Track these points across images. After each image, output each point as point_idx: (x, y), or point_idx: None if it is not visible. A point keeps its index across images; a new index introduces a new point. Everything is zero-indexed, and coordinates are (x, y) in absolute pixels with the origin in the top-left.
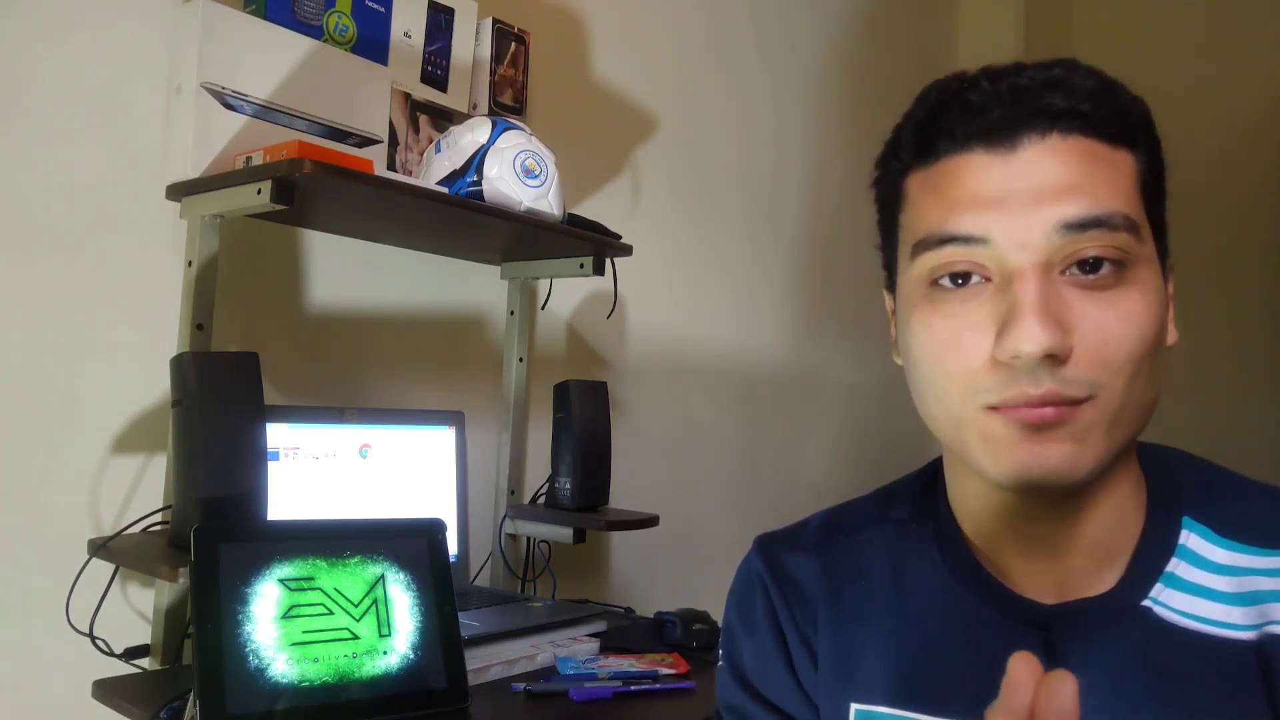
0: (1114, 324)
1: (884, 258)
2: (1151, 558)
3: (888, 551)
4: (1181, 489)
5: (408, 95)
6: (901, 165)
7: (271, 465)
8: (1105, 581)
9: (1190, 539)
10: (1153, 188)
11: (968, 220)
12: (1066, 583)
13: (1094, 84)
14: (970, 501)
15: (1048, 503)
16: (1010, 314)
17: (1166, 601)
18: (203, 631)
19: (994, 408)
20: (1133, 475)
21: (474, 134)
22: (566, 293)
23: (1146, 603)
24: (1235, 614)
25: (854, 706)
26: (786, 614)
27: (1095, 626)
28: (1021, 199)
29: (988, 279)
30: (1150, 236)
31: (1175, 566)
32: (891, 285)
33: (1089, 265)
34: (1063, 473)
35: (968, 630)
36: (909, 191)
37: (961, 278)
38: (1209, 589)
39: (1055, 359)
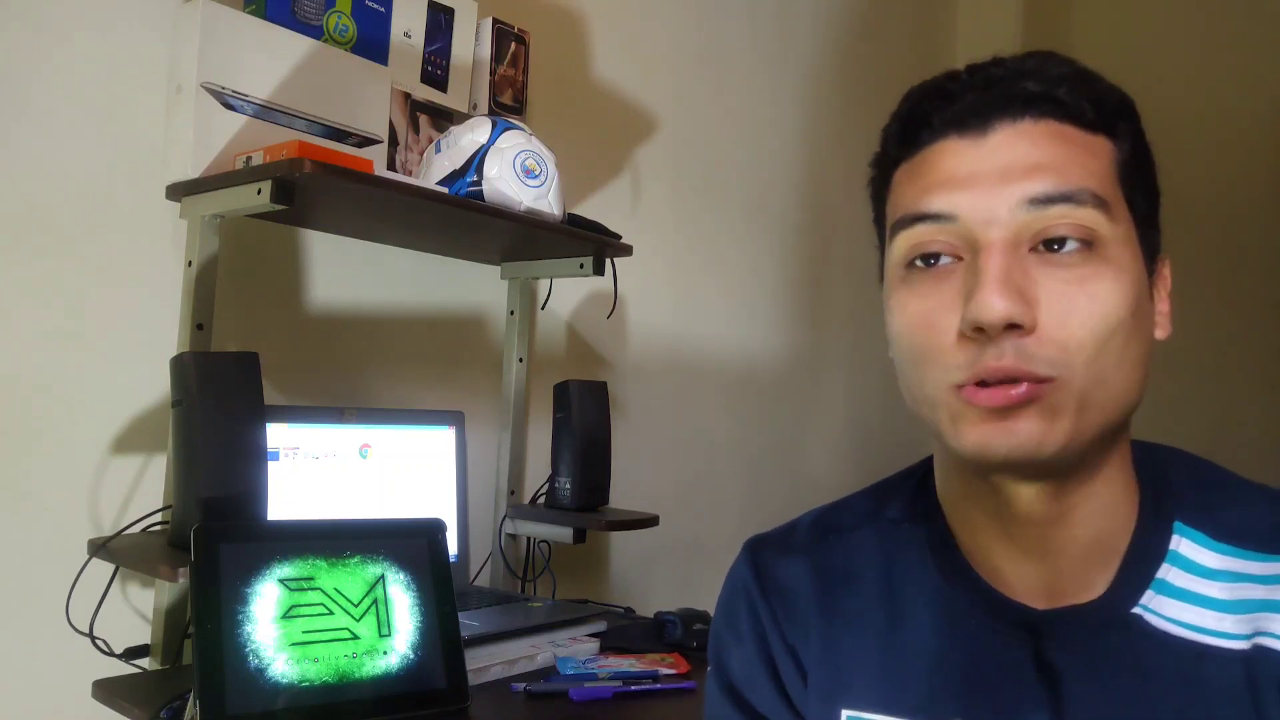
0: (1079, 299)
1: (880, 254)
2: (1142, 563)
3: (880, 553)
4: (1174, 492)
5: (408, 95)
6: (890, 160)
7: (271, 465)
8: (1096, 586)
9: (1182, 544)
10: (1135, 176)
11: (938, 199)
12: (1057, 586)
13: (1068, 70)
14: (956, 497)
15: (1033, 497)
16: (972, 286)
17: (1157, 609)
18: (203, 631)
19: (960, 386)
20: (1125, 476)
21: (474, 134)
22: (566, 293)
23: (1136, 610)
24: (1227, 622)
25: (845, 713)
26: (773, 624)
27: (1084, 634)
28: (990, 178)
29: (958, 258)
30: (1128, 219)
31: (1166, 573)
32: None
33: (1056, 244)
34: (1029, 449)
35: (959, 634)
36: (894, 182)
37: (933, 258)
38: (1201, 595)
39: (1019, 330)
